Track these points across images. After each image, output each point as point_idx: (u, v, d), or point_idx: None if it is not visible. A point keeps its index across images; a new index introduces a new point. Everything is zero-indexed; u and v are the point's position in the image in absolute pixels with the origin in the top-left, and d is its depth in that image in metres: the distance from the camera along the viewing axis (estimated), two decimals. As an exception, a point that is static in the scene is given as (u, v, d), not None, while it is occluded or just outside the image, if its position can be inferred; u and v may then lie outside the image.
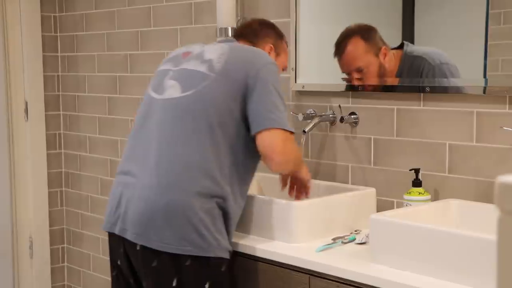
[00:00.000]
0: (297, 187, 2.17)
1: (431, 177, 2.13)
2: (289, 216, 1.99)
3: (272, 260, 1.96)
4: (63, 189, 3.69)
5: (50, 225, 3.64)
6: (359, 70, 2.26)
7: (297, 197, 2.18)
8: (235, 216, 1.98)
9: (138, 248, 1.90)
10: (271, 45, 2.18)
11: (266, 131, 1.91)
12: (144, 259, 1.91)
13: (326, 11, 2.47)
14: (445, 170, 2.11)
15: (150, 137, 1.96)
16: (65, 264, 3.71)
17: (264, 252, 1.98)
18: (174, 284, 1.89)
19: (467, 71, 2.10)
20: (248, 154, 1.98)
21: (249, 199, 2.09)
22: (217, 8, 2.58)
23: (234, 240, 2.04)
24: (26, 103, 3.53)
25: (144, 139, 1.98)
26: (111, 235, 2.00)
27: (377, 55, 2.24)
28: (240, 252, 2.04)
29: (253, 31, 2.21)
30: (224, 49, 2.02)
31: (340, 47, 2.31)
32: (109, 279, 3.29)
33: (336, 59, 2.34)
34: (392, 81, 2.25)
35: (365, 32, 2.27)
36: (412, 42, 2.22)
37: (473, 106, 2.04)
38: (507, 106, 1.96)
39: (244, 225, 2.10)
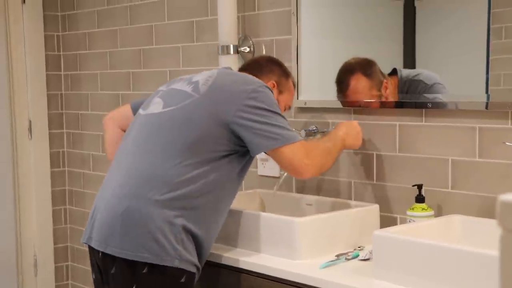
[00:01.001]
0: None
1: (434, 193, 2.14)
2: (292, 232, 1.99)
3: (275, 277, 1.96)
4: (67, 207, 3.70)
5: (54, 243, 3.65)
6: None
7: None
8: (207, 233, 1.96)
9: (100, 255, 1.93)
10: (274, 82, 2.17)
11: (275, 153, 1.93)
12: (104, 265, 1.94)
13: (327, 28, 2.50)
14: (448, 186, 2.12)
15: (126, 150, 2.02)
16: (69, 282, 3.72)
17: (268, 269, 1.98)
18: None
19: (469, 87, 2.11)
20: (228, 174, 1.97)
21: (253, 216, 2.10)
22: (218, 26, 2.61)
23: (239, 257, 2.05)
24: (30, 121, 3.56)
25: (121, 152, 2.05)
26: (88, 246, 2.04)
27: (379, 90, 2.26)
28: (244, 269, 2.04)
29: (259, 65, 2.20)
30: (212, 74, 2.03)
31: (342, 85, 2.33)
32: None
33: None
34: (394, 97, 2.26)
35: (366, 68, 2.29)
36: (413, 56, 2.24)
37: (475, 122, 2.05)
38: (510, 121, 1.97)
39: (248, 242, 2.11)
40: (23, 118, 3.54)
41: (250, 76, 2.05)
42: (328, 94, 2.43)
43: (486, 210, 2.02)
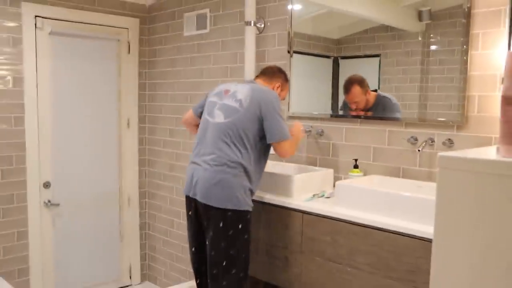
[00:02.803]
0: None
1: (363, 164, 2.21)
2: (291, 183, 2.09)
3: (282, 206, 2.02)
4: (146, 168, 3.63)
5: (139, 188, 3.61)
6: (355, 102, 2.26)
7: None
8: (255, 187, 1.98)
9: (202, 205, 1.94)
10: (279, 84, 2.12)
11: (278, 143, 1.93)
12: (205, 211, 1.94)
13: (304, 71, 2.43)
14: (371, 160, 2.20)
15: (208, 143, 1.98)
16: (147, 210, 3.66)
17: (279, 201, 2.05)
18: (221, 225, 1.89)
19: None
20: (262, 154, 1.99)
21: (272, 175, 2.13)
22: (245, 72, 2.54)
23: (263, 196, 2.08)
24: (128, 119, 3.52)
25: (204, 144, 2.00)
26: (187, 197, 2.03)
27: (365, 94, 2.22)
28: (266, 203, 2.09)
29: (272, 72, 2.15)
30: (248, 91, 1.97)
31: (347, 89, 2.27)
32: (171, 218, 3.22)
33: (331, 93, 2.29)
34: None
35: (361, 81, 2.23)
36: (337, 89, 2.21)
37: (387, 127, 2.12)
38: (403, 127, 2.08)
39: (269, 189, 2.15)
40: (124, 118, 3.47)
41: (269, 91, 1.99)
42: (309, 109, 2.39)
43: (391, 173, 2.11)
